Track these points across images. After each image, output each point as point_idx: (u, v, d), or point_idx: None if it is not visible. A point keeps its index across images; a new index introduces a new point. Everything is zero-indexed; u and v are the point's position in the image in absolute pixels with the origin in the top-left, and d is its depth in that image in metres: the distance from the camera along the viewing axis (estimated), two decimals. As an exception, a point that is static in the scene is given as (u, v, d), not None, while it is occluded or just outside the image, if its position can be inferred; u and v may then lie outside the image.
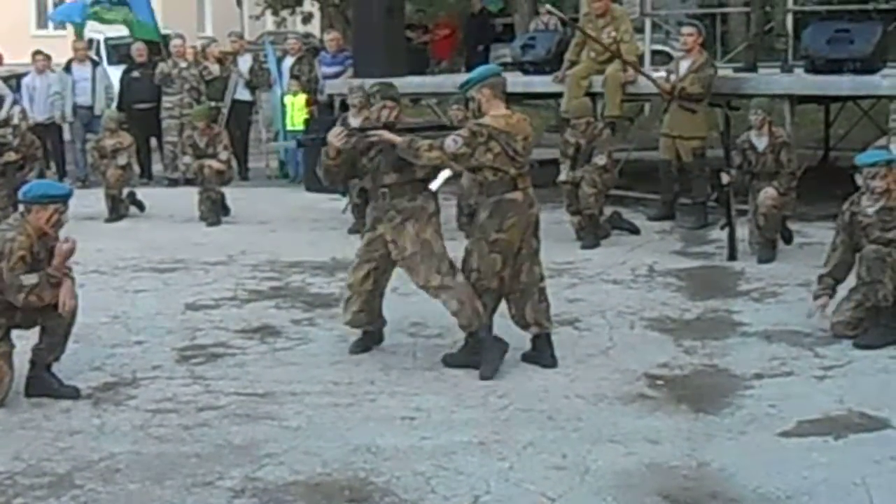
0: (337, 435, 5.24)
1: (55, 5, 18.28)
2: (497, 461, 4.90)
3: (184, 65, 13.73)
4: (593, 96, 11.04)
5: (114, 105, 13.55)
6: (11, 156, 10.81)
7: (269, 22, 29.74)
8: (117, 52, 18.46)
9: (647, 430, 5.23)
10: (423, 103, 14.75)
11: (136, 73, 13.97)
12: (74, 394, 5.81)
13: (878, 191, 6.55)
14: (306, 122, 13.04)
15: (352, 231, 10.09)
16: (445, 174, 10.16)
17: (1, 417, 5.57)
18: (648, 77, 10.55)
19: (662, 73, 10.70)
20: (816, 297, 6.70)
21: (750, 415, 5.44)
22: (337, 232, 10.22)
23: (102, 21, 14.77)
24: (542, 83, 11.99)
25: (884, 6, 12.47)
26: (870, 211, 6.61)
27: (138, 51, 14.13)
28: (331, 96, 13.33)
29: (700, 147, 10.07)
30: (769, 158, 8.79)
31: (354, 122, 10.74)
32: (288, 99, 13.47)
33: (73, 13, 15.16)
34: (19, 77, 14.29)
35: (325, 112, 13.18)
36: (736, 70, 11.35)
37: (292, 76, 13.64)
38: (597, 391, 5.76)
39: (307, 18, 26.94)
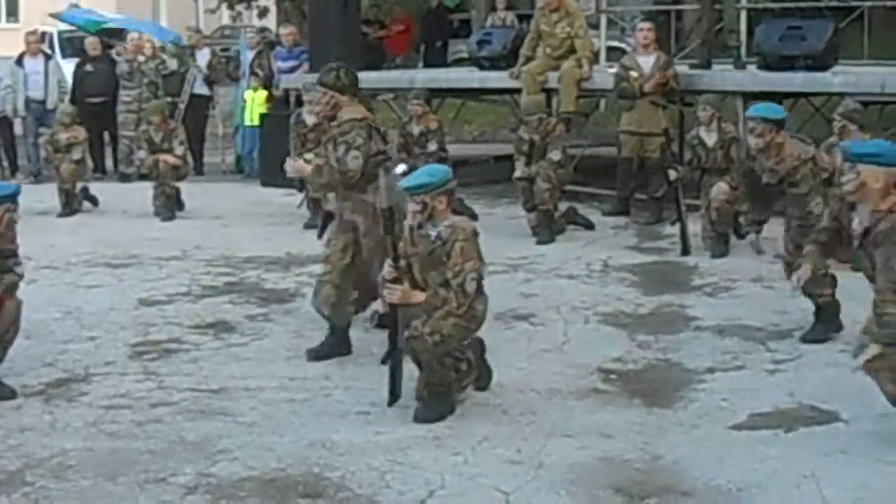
0: (291, 430, 5.23)
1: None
2: (452, 455, 4.92)
3: (142, 59, 13.62)
4: (549, 92, 11.08)
5: (67, 99, 13.41)
6: None
7: (225, 16, 29.54)
8: (71, 45, 18.28)
9: (600, 425, 5.27)
10: (379, 98, 14.72)
11: (89, 67, 13.83)
12: (10, 395, 5.67)
13: (756, 147, 6.61)
14: (262, 116, 12.99)
15: (307, 226, 10.06)
16: (400, 169, 10.16)
17: (-50, 415, 5.51)
18: (638, 73, 10.44)
19: (615, 70, 10.76)
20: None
21: (702, 408, 5.49)
22: (292, 227, 10.18)
23: None
24: (497, 79, 12.02)
25: (835, 4, 12.61)
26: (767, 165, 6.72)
27: (92, 44, 13.99)
28: (286, 91, 13.28)
29: (665, 142, 10.14)
30: (719, 154, 8.89)
31: (309, 118, 10.73)
32: (248, 94, 13.41)
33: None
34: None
35: (280, 107, 13.13)
36: (690, 67, 11.44)
37: (252, 72, 13.58)
38: (551, 386, 5.79)
39: (263, 13, 26.75)
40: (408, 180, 5.44)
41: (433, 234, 5.35)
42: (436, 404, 5.35)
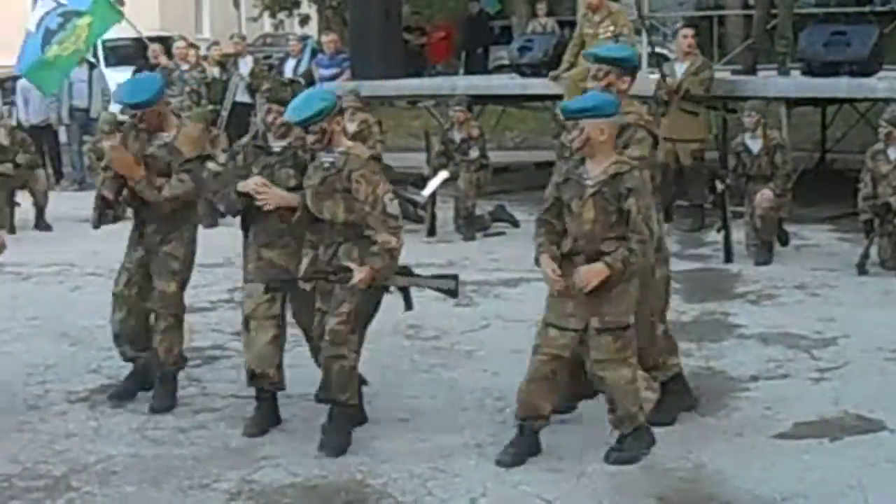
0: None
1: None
2: (493, 463, 4.90)
3: (185, 67, 13.72)
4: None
5: (110, 107, 13.55)
6: (9, 167, 10.86)
7: (267, 24, 29.74)
8: (115, 53, 18.48)
9: (643, 433, 5.23)
10: (420, 105, 14.76)
11: (144, 75, 13.94)
12: None
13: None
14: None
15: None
16: (442, 176, 10.18)
17: (-3, 420, 5.58)
18: (663, 74, 10.47)
19: (655, 76, 10.71)
20: None
21: (746, 417, 5.45)
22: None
23: (80, 53, 11.77)
24: (539, 85, 12.00)
25: (880, 9, 12.49)
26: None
27: (154, 52, 14.04)
28: (328, 99, 13.31)
29: (699, 150, 10.10)
30: (764, 161, 8.82)
31: (350, 126, 10.79)
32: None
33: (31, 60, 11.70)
34: (16, 79, 14.28)
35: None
36: (734, 72, 11.37)
37: (293, 80, 13.65)
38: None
39: (305, 20, 26.95)
40: (298, 113, 4.98)
41: (327, 161, 5.05)
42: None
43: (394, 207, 5.01)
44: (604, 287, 4.78)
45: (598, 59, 5.35)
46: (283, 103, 5.30)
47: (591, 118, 4.82)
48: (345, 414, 5.10)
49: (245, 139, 5.69)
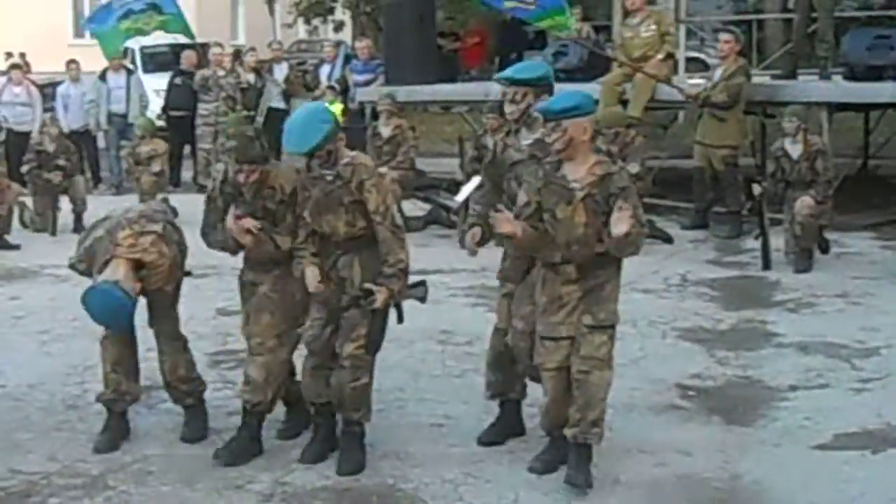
0: (366, 441, 5.21)
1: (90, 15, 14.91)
2: (525, 470, 4.87)
3: (221, 73, 13.80)
4: (626, 104, 10.98)
5: (148, 112, 13.64)
6: (56, 176, 11.00)
7: (301, 30, 29.86)
8: (152, 60, 18.59)
9: (678, 442, 5.18)
10: (454, 111, 14.75)
11: (178, 80, 14.05)
12: None
13: (511, 118, 5.16)
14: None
15: None
16: (475, 181, 10.12)
17: (37, 419, 5.63)
18: (672, 84, 10.49)
19: (699, 81, 10.64)
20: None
21: (784, 427, 5.38)
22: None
23: (142, 33, 13.60)
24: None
25: (925, 13, 12.36)
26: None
27: (188, 58, 14.15)
28: (362, 104, 13.35)
29: (731, 155, 10.01)
30: (804, 166, 8.72)
31: (385, 130, 10.80)
32: (324, 108, 13.49)
33: (103, 23, 13.35)
34: (55, 85, 14.41)
35: (356, 120, 13.19)
36: (774, 77, 11.26)
37: (329, 86, 13.67)
38: (628, 401, 5.70)
39: (339, 26, 27.01)
40: (303, 145, 4.81)
41: (329, 174, 4.89)
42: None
43: (399, 218, 4.97)
44: (597, 284, 4.68)
45: (514, 82, 5.11)
46: (254, 161, 5.10)
47: (575, 118, 4.65)
48: (358, 432, 5.02)
49: (217, 182, 5.50)
